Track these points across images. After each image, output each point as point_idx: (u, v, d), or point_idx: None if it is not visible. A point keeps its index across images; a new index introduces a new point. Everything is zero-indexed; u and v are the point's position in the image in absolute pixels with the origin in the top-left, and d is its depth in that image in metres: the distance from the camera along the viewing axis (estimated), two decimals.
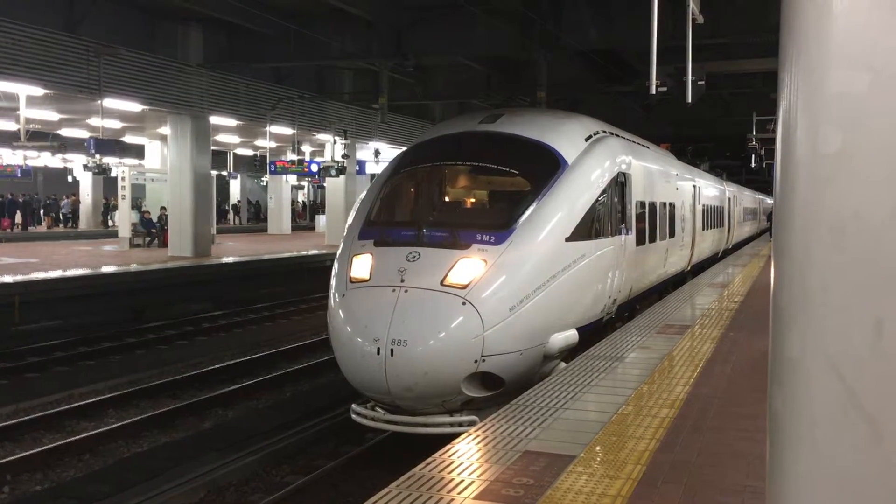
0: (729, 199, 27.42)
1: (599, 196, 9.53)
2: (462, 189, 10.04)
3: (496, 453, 5.02)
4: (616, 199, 10.26)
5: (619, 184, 10.47)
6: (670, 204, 14.73)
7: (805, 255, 1.67)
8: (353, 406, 8.52)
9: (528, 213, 8.54)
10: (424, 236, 8.36)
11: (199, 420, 10.98)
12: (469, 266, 7.96)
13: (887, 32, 1.58)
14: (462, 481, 4.53)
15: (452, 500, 4.28)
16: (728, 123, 30.26)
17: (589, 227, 9.15)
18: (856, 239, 1.61)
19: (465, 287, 7.78)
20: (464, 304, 7.69)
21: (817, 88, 1.65)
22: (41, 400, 11.74)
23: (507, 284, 7.97)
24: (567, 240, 8.66)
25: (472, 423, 7.34)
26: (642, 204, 12.04)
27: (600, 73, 22.78)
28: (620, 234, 10.34)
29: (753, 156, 29.62)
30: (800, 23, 1.67)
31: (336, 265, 8.78)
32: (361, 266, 8.34)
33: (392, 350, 7.46)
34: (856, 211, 1.61)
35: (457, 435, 5.56)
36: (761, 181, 48.09)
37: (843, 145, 1.62)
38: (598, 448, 5.15)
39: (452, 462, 4.87)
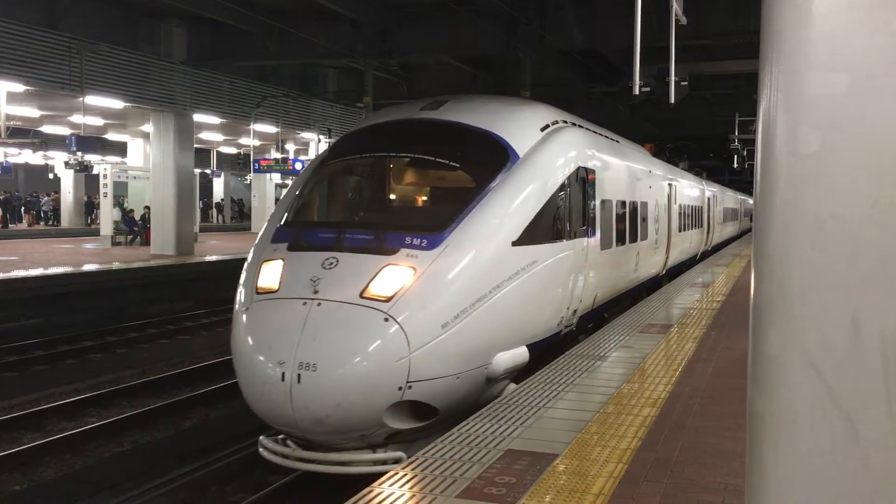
0: (709, 198, 26.88)
1: (556, 194, 8.48)
2: (394, 185, 8.78)
3: (478, 452, 5.02)
4: (577, 198, 9.22)
5: (581, 180, 9.42)
6: (642, 203, 13.82)
7: (784, 255, 1.69)
8: (261, 439, 7.27)
9: (469, 212, 7.39)
10: (345, 239, 7.19)
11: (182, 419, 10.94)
12: (395, 275, 6.82)
13: (866, 34, 1.59)
14: (444, 480, 4.53)
15: (434, 498, 4.28)
16: (711, 124, 30.44)
17: (542, 229, 8.08)
18: (834, 238, 1.63)
19: (388, 300, 6.62)
20: (386, 320, 6.51)
21: (796, 89, 1.67)
22: (21, 399, 11.64)
23: (440, 296, 6.77)
24: (514, 244, 7.52)
25: (398, 461, 6.44)
26: (609, 203, 11.06)
27: (585, 73, 22.87)
28: (582, 236, 9.31)
29: (736, 156, 29.84)
30: (779, 24, 1.69)
31: (244, 273, 7.60)
32: (270, 274, 7.17)
33: (299, 375, 6.29)
34: (834, 211, 1.63)
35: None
36: (744, 182, 48.42)
37: (821, 146, 1.64)
38: (580, 447, 5.17)
39: (435, 461, 4.87)
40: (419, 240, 7.09)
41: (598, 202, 10.24)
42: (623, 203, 12.18)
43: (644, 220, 13.93)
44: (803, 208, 1.66)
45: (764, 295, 1.74)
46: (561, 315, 8.73)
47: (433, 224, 7.37)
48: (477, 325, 6.98)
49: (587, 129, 11.20)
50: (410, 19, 18.65)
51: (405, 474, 4.64)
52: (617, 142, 13.45)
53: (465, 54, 20.95)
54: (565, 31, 17.71)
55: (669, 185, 17.67)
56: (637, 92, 8.98)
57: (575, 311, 9.23)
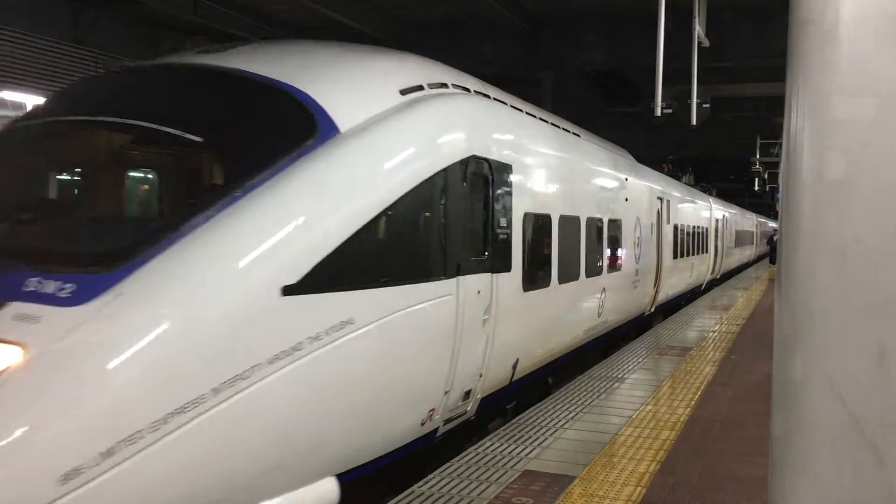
0: (717, 219, 23.31)
1: (416, 198, 5.23)
2: (73, 171, 5.57)
3: (496, 472, 5.00)
4: (467, 208, 5.89)
5: (479, 179, 6.11)
6: (612, 222, 10.43)
7: (808, 280, 1.68)
8: None
9: (190, 230, 4.05)
10: None
11: None
12: None
13: (892, 60, 1.59)
14: (461, 499, 4.51)
15: None
16: (732, 147, 30.32)
17: (372, 261, 4.82)
18: (858, 264, 1.62)
19: None
20: None
21: (822, 114, 1.67)
22: None
23: (80, 406, 3.41)
24: (290, 290, 4.17)
25: None
26: (543, 219, 7.73)
27: (605, 93, 22.88)
28: (479, 270, 6.02)
29: (757, 179, 29.71)
30: (806, 49, 1.69)
31: None
32: None
33: None
34: (858, 236, 1.62)
35: None
36: (764, 205, 48.15)
37: (846, 171, 1.64)
38: (598, 469, 5.13)
39: (451, 480, 4.85)
40: (57, 284, 3.72)
41: (517, 217, 6.89)
42: (573, 220, 8.74)
43: (616, 244, 10.74)
44: (827, 233, 1.66)
45: (787, 320, 1.74)
46: (428, 407, 5.43)
47: (102, 252, 3.98)
48: (186, 453, 3.67)
49: (507, 104, 7.62)
50: (429, 37, 18.76)
51: (422, 493, 4.63)
52: (566, 131, 9.55)
53: (483, 73, 21.01)
54: (586, 52, 17.75)
55: (661, 199, 14.30)
56: (659, 113, 8.97)
57: (468, 392, 6.05)
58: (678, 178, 22.96)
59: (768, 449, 1.83)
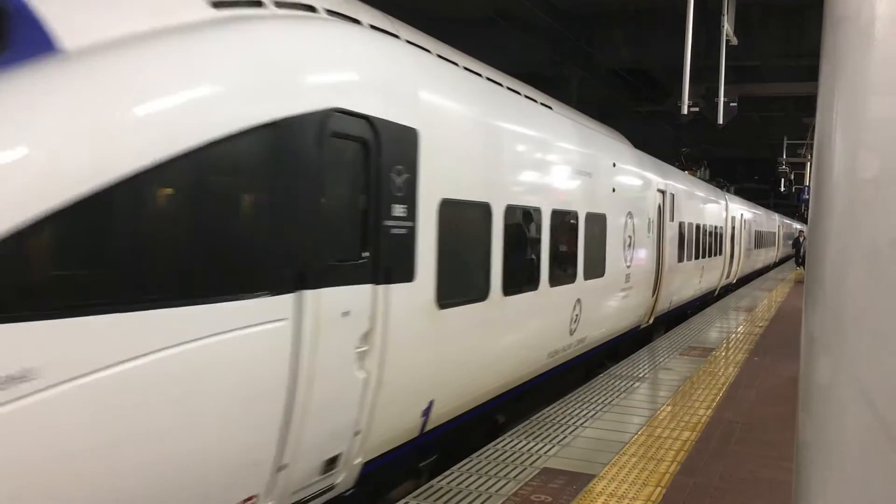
0: (733, 217, 21.18)
1: (199, 164, 3.43)
2: None
3: (514, 469, 4.99)
4: (320, 186, 4.04)
5: (343, 145, 4.28)
6: (592, 216, 8.50)
7: (839, 282, 1.65)
8: None
9: None
10: None
11: None
12: None
13: None
14: (480, 495, 4.51)
15: None
16: (758, 146, 30.08)
17: (98, 266, 3.09)
18: (891, 266, 1.59)
19: None
20: None
21: (856, 113, 1.63)
22: None
23: None
24: None
25: None
26: (474, 209, 5.87)
27: (632, 91, 22.76)
28: (350, 280, 4.26)
29: (783, 180, 29.45)
30: (841, 47, 1.66)
31: None
32: None
33: None
34: (892, 237, 1.59)
35: None
36: (790, 205, 47.73)
37: (880, 170, 1.60)
38: (617, 468, 5.10)
39: (471, 475, 4.85)
40: None
41: (429, 204, 5.08)
42: (530, 212, 6.89)
43: (597, 243, 8.80)
44: (859, 234, 1.62)
45: (817, 322, 1.70)
46: (245, 494, 3.71)
47: None
48: None
49: (431, 52, 5.87)
50: (455, 35, 18.70)
51: (440, 487, 4.63)
52: (535, 101, 7.88)
53: (511, 71, 20.97)
54: (613, 50, 17.66)
55: (663, 193, 12.21)
56: (686, 112, 8.90)
57: (332, 458, 4.31)
58: (691, 171, 21.31)
59: (794, 454, 1.80)
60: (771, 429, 6.26)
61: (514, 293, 6.43)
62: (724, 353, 9.77)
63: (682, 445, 5.69)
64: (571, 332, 7.98)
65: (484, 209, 5.94)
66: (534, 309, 7.00)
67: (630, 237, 10.15)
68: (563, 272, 7.70)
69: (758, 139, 29.34)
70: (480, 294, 5.90)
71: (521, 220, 6.71)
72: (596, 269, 8.70)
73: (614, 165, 9.54)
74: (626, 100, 23.10)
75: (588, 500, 4.50)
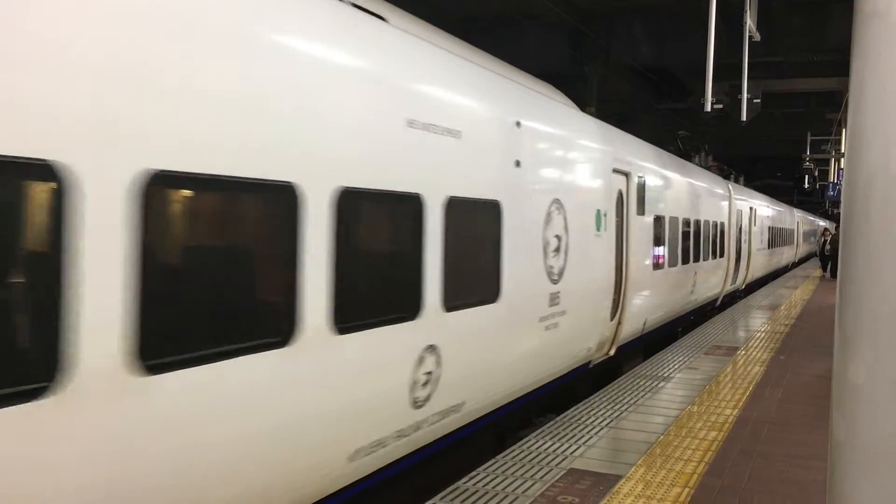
0: (739, 211, 18.07)
1: None
2: None
3: (540, 469, 4.98)
4: None
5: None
6: (466, 205, 5.40)
7: (873, 280, 1.63)
8: None
9: None
10: None
11: None
12: None
13: None
14: (506, 496, 4.50)
15: None
16: (780, 143, 29.77)
17: None
18: None
19: None
20: None
21: (889, 108, 1.61)
22: None
23: None
24: None
25: None
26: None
27: (652, 89, 22.62)
28: None
29: (807, 176, 29.16)
30: (872, 42, 1.64)
31: None
32: None
33: None
34: None
35: None
36: (814, 202, 47.21)
37: None
38: (644, 469, 5.08)
39: (496, 477, 4.84)
40: None
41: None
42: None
43: (466, 248, 5.46)
44: (894, 231, 1.61)
45: (850, 321, 1.69)
46: None
47: None
48: None
49: None
50: (474, 33, 18.72)
51: (466, 489, 4.63)
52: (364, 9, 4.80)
53: (530, 68, 20.92)
54: (633, 47, 17.56)
55: (626, 176, 9.25)
56: (709, 109, 8.83)
57: None
58: (690, 158, 18.01)
59: (828, 453, 1.78)
60: (798, 428, 6.20)
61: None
62: (749, 352, 9.69)
63: (709, 445, 5.65)
64: (417, 404, 4.79)
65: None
66: (278, 384, 3.67)
67: (559, 237, 6.98)
68: (377, 303, 4.46)
69: (779, 135, 29.04)
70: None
71: (257, 217, 3.70)
72: (475, 291, 5.56)
73: (519, 125, 6.29)
74: (647, 97, 22.96)
75: (616, 501, 4.48)
